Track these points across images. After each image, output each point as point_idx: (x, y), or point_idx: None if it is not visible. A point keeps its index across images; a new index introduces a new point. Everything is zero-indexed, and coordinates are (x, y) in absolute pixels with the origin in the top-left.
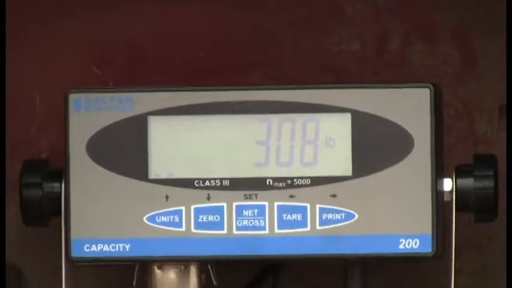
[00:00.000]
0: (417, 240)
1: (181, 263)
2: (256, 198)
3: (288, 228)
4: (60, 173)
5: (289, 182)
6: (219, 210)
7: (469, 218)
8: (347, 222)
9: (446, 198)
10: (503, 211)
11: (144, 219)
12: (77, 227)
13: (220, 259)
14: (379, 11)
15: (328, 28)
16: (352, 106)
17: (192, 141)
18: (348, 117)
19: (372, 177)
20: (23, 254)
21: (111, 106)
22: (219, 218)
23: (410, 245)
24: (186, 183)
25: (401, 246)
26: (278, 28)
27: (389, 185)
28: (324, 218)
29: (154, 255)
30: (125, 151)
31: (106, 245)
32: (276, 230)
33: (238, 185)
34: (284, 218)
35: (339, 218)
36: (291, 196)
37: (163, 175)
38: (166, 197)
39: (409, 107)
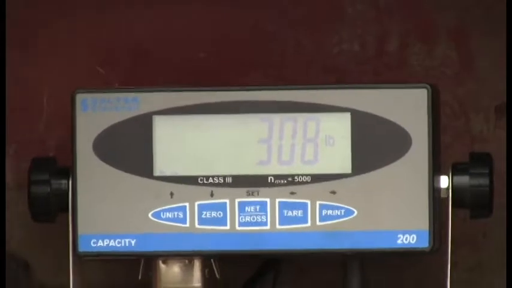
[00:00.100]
0: (414, 236)
1: (186, 257)
2: (258, 194)
3: (289, 224)
4: (68, 170)
5: (290, 179)
6: (222, 207)
7: (465, 214)
8: (346, 218)
9: (442, 195)
10: (498, 208)
11: (149, 215)
12: (84, 222)
13: (223, 254)
14: (379, 12)
15: (328, 29)
16: (351, 106)
17: (195, 140)
18: (347, 116)
19: (370, 175)
20: (31, 249)
21: (116, 106)
22: (222, 214)
23: (407, 240)
24: (190, 180)
25: (399, 242)
26: (278, 28)
27: (388, 182)
28: (324, 214)
29: (159, 250)
30: (130, 149)
31: (112, 240)
32: (278, 226)
33: (240, 182)
34: (285, 214)
35: (339, 214)
36: (292, 193)
37: (168, 172)
38: (171, 193)
39: (407, 107)
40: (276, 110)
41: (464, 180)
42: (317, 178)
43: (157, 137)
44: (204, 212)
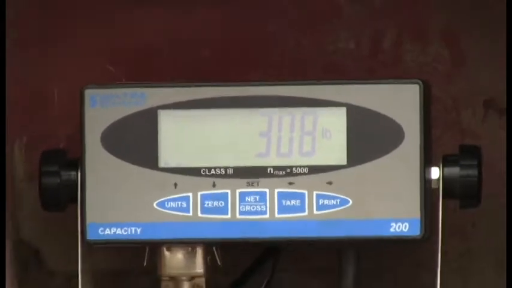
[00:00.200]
0: (407, 224)
1: (189, 245)
2: (258, 185)
3: (287, 213)
4: (77, 162)
5: (288, 170)
6: (223, 197)
7: (455, 204)
8: (342, 208)
9: (433, 185)
10: (486, 199)
11: (154, 204)
12: (92, 212)
13: (224, 241)
14: (374, 13)
15: (326, 28)
16: (347, 101)
17: (198, 133)
18: (343, 111)
19: (365, 166)
20: (41, 237)
21: (124, 101)
22: (223, 204)
23: (400, 228)
24: (193, 171)
25: (392, 230)
26: (278, 28)
27: (381, 173)
28: (320, 203)
29: (163, 238)
30: (136, 142)
31: (119, 229)
32: (276, 215)
33: (241, 173)
34: (284, 204)
35: (335, 203)
36: (290, 183)
37: (172, 164)
38: (175, 184)
39: (400, 102)
40: (276, 104)
41: (454, 171)
42: (314, 169)
43: (162, 130)
44: (207, 202)
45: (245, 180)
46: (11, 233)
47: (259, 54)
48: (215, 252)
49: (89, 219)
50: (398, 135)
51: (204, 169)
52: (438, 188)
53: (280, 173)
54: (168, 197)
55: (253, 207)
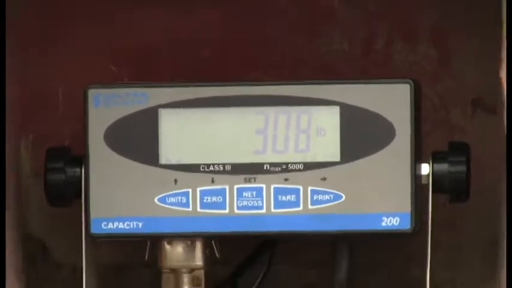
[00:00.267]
0: (398, 218)
1: (188, 238)
2: (255, 181)
3: (283, 208)
4: (81, 159)
5: (284, 166)
6: (222, 192)
7: (444, 199)
8: (335, 203)
9: (423, 181)
10: (474, 194)
11: (155, 200)
12: (96, 207)
13: (222, 235)
14: (367, 15)
15: (320, 30)
16: (340, 100)
17: (198, 131)
18: (336, 109)
19: (358, 163)
20: (48, 231)
21: (125, 100)
22: (221, 199)
23: (391, 222)
24: (193, 168)
25: (383, 224)
26: (277, 30)
27: (373, 169)
28: (314, 198)
29: (164, 232)
30: (138, 140)
31: (121, 223)
32: (272, 210)
33: (239, 169)
34: (279, 199)
35: (328, 198)
36: (286, 179)
37: (173, 161)
38: (175, 180)
39: (391, 100)
40: (272, 103)
41: (443, 167)
42: (309, 166)
43: (163, 128)
44: (205, 197)
45: (242, 176)
46: (18, 227)
47: (259, 55)
48: (214, 246)
49: (92, 214)
50: (390, 132)
51: (203, 166)
52: (428, 184)
53: (276, 169)
54: (169, 193)
55: (250, 203)
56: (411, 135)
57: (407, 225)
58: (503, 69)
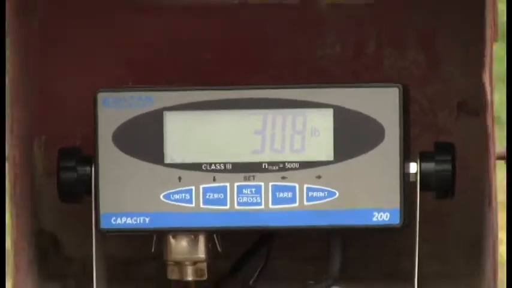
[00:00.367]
0: (388, 214)
1: (192, 233)
2: (254, 179)
3: (280, 204)
4: (91, 159)
5: (281, 165)
6: (223, 189)
7: (431, 196)
8: (329, 199)
9: (412, 179)
10: (459, 191)
11: (161, 196)
12: (105, 203)
13: (224, 230)
14: (358, 21)
15: (314, 34)
16: (334, 102)
17: (200, 132)
18: (330, 112)
19: (350, 162)
20: (60, 227)
21: (133, 103)
22: (223, 196)
23: (382, 217)
24: (196, 166)
25: (374, 219)
26: (277, 33)
27: (365, 168)
28: (310, 195)
29: (169, 226)
30: (144, 140)
31: (129, 218)
32: (270, 206)
33: (239, 168)
34: (277, 196)
35: (323, 195)
36: (283, 177)
37: (177, 160)
38: (179, 178)
39: (381, 103)
40: (269, 106)
41: (430, 166)
42: (304, 165)
43: (168, 129)
44: (208, 194)
45: (242, 175)
46: (32, 223)
47: (259, 57)
48: (216, 240)
49: (102, 210)
50: (380, 133)
51: (206, 164)
52: (416, 181)
53: (274, 168)
54: (173, 190)
55: (250, 199)
56: (400, 136)
57: (396, 220)
58: (486, 73)
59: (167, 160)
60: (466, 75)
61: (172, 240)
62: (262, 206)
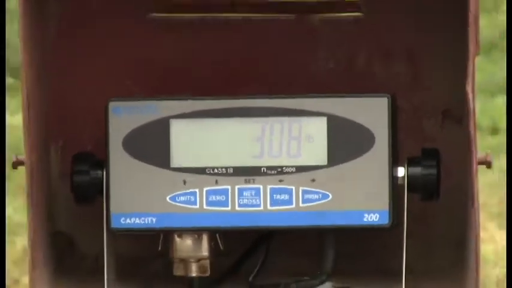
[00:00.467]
0: (377, 215)
1: (196, 232)
2: (253, 182)
3: (278, 206)
4: (103, 163)
5: (279, 169)
6: (225, 192)
7: (418, 198)
8: (323, 201)
9: (400, 182)
10: (444, 193)
11: (167, 198)
12: (116, 204)
13: (225, 229)
14: (350, 36)
15: (307, 49)
16: (327, 111)
17: (204, 138)
18: (324, 120)
19: (342, 166)
20: (74, 226)
21: (141, 112)
22: (224, 198)
23: (372, 218)
24: (200, 170)
25: (365, 219)
26: (274, 49)
27: (356, 172)
28: (305, 197)
29: (175, 226)
30: (152, 146)
31: (138, 218)
32: (269, 207)
33: (239, 172)
34: (275, 198)
35: (317, 197)
36: (280, 180)
37: (182, 164)
38: (184, 181)
39: (372, 112)
40: (268, 114)
41: (417, 170)
42: (300, 169)
43: (174, 136)
44: (211, 196)
45: (243, 178)
46: (48, 224)
47: (258, 70)
48: (218, 239)
49: (112, 210)
50: (370, 140)
51: (209, 169)
52: (403, 184)
53: (272, 171)
54: (179, 192)
55: (250, 201)
56: (389, 142)
57: (385, 221)
58: (469, 83)
59: (173, 164)
60: (449, 85)
61: (177, 239)
62: (261, 207)
